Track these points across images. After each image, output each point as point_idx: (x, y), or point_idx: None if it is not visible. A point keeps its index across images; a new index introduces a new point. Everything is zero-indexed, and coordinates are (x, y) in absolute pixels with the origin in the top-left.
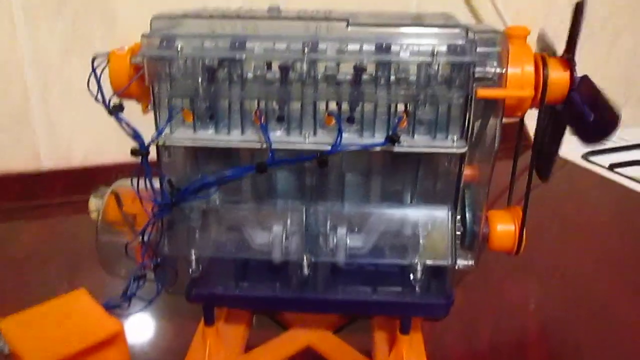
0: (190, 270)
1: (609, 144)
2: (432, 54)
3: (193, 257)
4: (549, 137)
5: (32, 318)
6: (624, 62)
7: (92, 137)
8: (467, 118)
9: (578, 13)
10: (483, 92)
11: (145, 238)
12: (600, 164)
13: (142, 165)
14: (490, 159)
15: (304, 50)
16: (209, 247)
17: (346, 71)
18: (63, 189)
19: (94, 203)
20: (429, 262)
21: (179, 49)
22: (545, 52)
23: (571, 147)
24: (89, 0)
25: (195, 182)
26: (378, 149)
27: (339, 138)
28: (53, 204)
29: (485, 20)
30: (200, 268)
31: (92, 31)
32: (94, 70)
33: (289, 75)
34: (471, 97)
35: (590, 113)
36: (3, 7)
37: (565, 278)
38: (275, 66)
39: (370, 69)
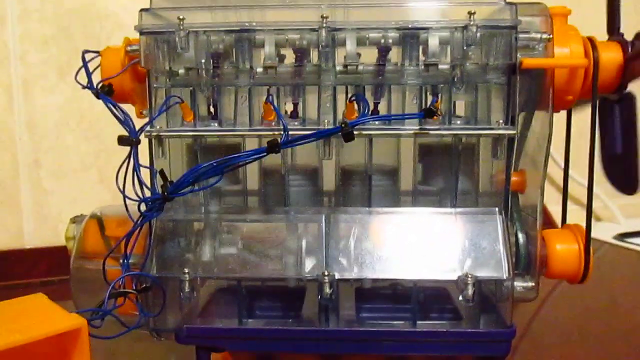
0: (182, 294)
1: None
2: (469, 16)
3: (186, 278)
4: (619, 136)
5: None
6: None
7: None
8: (512, 95)
9: None
10: (530, 62)
11: (129, 250)
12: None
13: (130, 156)
14: (537, 161)
15: (322, 21)
16: (206, 267)
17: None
18: (45, 269)
19: (72, 229)
20: (481, 275)
21: (181, 22)
22: None
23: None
24: (95, 61)
25: (192, 170)
26: (413, 127)
27: (365, 108)
28: (34, 283)
29: None
30: (195, 294)
31: (91, 106)
32: (85, 63)
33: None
34: (517, 67)
35: None
36: (1, 77)
37: None
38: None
39: (397, 48)
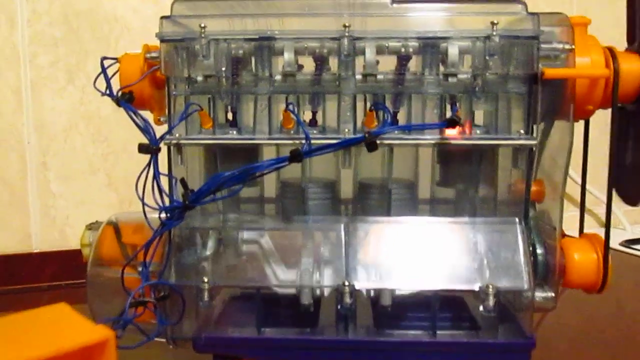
0: (201, 303)
1: None
2: (491, 26)
3: (205, 286)
4: (631, 147)
5: (6, 324)
6: None
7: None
8: (532, 106)
9: None
10: (552, 72)
11: (148, 259)
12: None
13: (151, 163)
14: (555, 171)
15: (344, 30)
16: (225, 275)
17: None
18: (53, 273)
19: (88, 236)
20: (502, 285)
21: (202, 28)
22: None
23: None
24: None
25: (213, 178)
26: (434, 136)
27: (388, 118)
28: (42, 287)
29: None
30: (213, 302)
31: (100, 109)
32: (103, 69)
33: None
34: (538, 77)
35: None
36: (10, 80)
37: None
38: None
39: (416, 57)
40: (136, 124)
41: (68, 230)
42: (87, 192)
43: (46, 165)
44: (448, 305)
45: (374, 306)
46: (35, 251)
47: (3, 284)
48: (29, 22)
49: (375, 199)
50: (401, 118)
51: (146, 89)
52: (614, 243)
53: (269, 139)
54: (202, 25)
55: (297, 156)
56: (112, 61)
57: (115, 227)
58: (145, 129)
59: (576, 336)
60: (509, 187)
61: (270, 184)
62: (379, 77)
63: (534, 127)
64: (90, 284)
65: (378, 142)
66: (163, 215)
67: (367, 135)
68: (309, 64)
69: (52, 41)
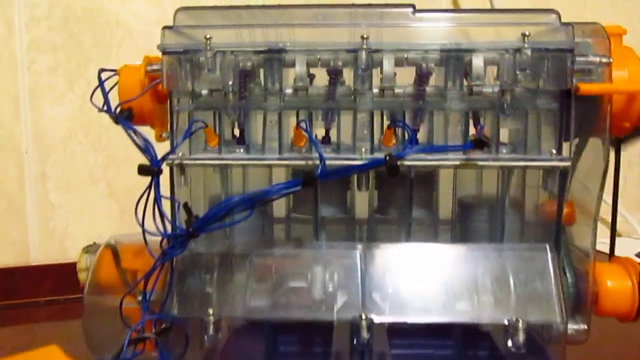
0: (206, 337)
1: None
2: (523, 38)
3: (210, 319)
4: None
5: None
6: None
7: (89, 232)
8: (566, 123)
9: None
10: (588, 88)
11: (148, 289)
12: None
13: (152, 186)
14: (589, 191)
15: (362, 42)
16: (231, 306)
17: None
18: (51, 287)
19: (85, 259)
20: (533, 319)
21: (208, 40)
22: None
23: None
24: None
25: (220, 204)
26: (459, 157)
27: (408, 136)
28: (40, 302)
29: None
30: (220, 335)
31: (100, 117)
32: (101, 82)
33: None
34: (572, 93)
35: None
36: (8, 87)
37: None
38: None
39: (437, 69)
40: (135, 144)
41: (67, 242)
42: (87, 203)
43: (45, 175)
44: (470, 333)
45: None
46: (34, 264)
47: (0, 298)
48: (27, 27)
49: (393, 223)
50: (420, 135)
51: (147, 104)
52: (630, 254)
53: (279, 159)
54: (208, 36)
55: (310, 180)
56: (111, 73)
57: (114, 251)
58: (146, 149)
59: (599, 353)
60: (536, 209)
61: (279, 202)
62: (398, 91)
63: (569, 146)
64: (87, 313)
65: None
66: (165, 242)
67: (387, 158)
68: (321, 74)
69: (51, 47)
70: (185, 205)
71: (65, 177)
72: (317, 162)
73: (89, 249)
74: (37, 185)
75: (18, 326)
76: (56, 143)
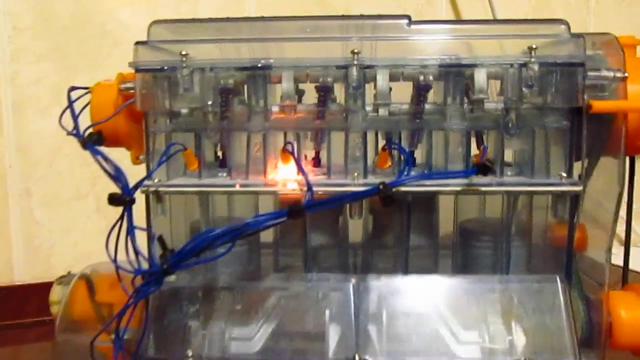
0: None
1: None
2: (529, 52)
3: None
4: None
5: None
6: None
7: (75, 249)
8: (577, 143)
9: None
10: (600, 105)
11: (122, 328)
12: None
13: (124, 216)
14: (602, 214)
15: (353, 58)
16: (213, 345)
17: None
18: (37, 307)
19: (57, 292)
20: (543, 359)
21: (184, 57)
22: None
23: None
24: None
25: (197, 236)
26: (460, 183)
27: (408, 165)
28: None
29: None
30: None
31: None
32: (70, 103)
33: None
34: (584, 111)
35: None
36: None
37: None
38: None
39: (436, 84)
40: (105, 171)
41: (53, 260)
42: (74, 219)
43: (29, 192)
44: None
45: None
46: (18, 283)
47: None
48: (10, 38)
49: (390, 250)
50: (419, 153)
51: (122, 124)
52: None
53: (264, 185)
54: (184, 52)
55: (297, 212)
56: (84, 91)
57: (89, 282)
58: (117, 177)
59: None
60: (544, 235)
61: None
62: (393, 108)
63: (580, 168)
64: (58, 351)
65: (394, 189)
66: (138, 279)
67: (381, 187)
68: (311, 89)
69: (35, 58)
70: (160, 239)
71: (51, 192)
72: (305, 188)
73: (62, 280)
74: (21, 202)
75: (3, 348)
76: (41, 157)
